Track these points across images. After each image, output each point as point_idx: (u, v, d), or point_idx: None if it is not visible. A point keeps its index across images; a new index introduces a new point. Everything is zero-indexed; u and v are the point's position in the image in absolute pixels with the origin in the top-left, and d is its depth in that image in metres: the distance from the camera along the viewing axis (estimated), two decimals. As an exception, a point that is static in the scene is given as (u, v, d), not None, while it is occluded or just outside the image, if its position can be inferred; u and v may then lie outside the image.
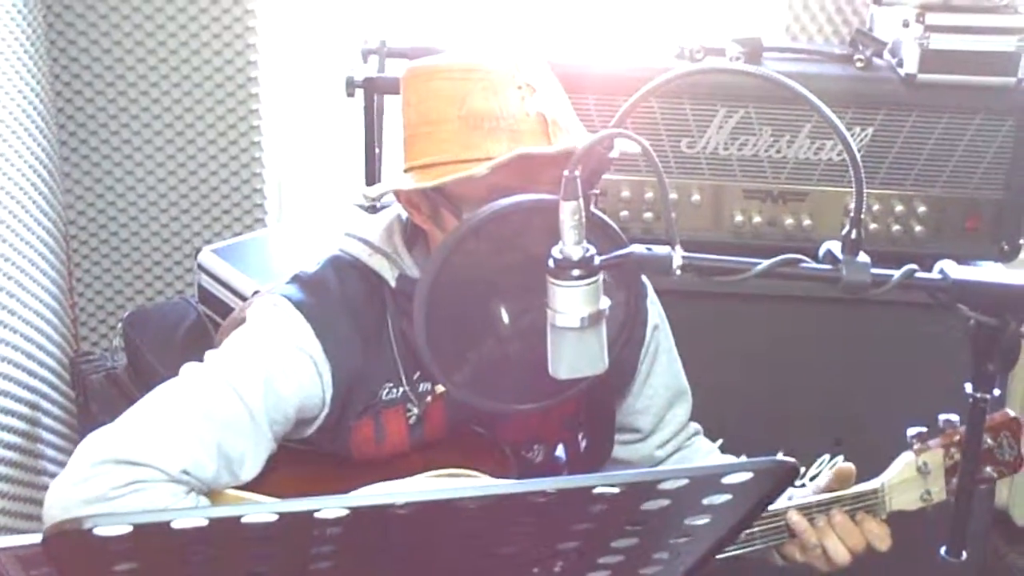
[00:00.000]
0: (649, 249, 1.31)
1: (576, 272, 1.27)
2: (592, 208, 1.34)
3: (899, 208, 2.37)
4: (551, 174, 1.48)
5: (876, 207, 2.37)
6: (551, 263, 1.28)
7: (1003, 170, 2.36)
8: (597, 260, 1.28)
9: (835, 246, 1.36)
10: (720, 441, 2.43)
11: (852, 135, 2.32)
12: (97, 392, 2.49)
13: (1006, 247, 2.40)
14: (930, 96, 2.30)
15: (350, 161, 2.79)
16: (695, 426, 1.98)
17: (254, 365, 1.56)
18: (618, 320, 1.44)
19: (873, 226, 2.37)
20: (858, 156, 1.32)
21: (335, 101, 2.73)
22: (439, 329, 1.43)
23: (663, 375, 1.88)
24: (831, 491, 1.71)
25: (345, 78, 2.50)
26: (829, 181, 2.38)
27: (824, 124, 2.26)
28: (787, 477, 1.11)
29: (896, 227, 2.38)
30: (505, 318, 1.44)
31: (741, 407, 2.44)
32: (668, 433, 1.91)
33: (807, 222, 2.39)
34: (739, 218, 2.39)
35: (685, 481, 1.06)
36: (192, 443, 1.49)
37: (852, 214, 1.33)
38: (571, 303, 1.28)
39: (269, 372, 1.56)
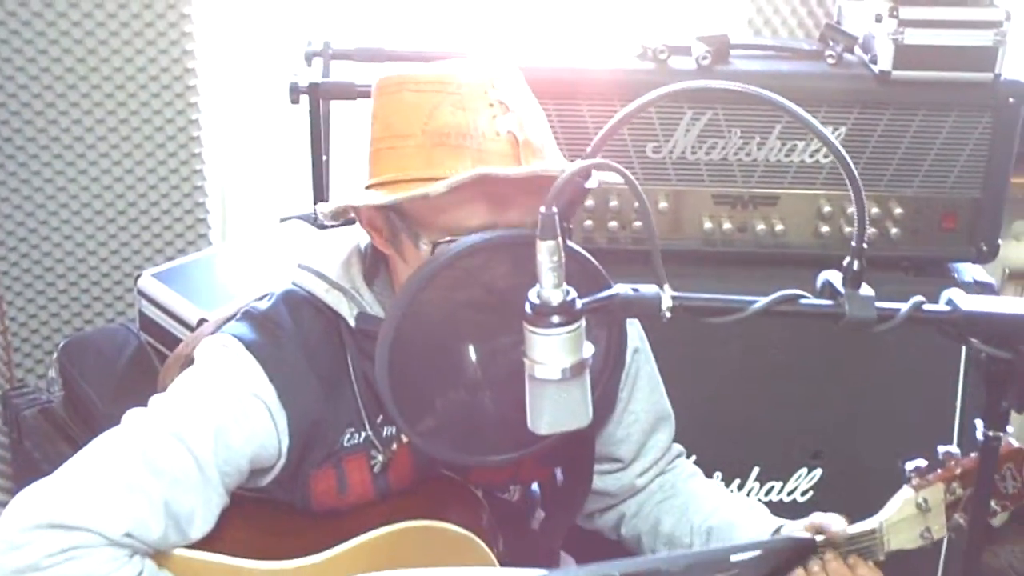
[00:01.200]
0: (636, 290, 1.19)
1: (556, 319, 1.15)
2: (569, 243, 1.21)
3: (874, 210, 2.28)
4: (522, 201, 1.39)
5: (851, 210, 2.27)
6: (528, 308, 1.16)
7: (980, 168, 2.28)
8: (579, 304, 1.16)
9: (834, 277, 1.26)
10: (694, 457, 2.34)
11: (825, 135, 2.22)
12: (31, 428, 2.34)
13: (984, 248, 2.32)
14: (905, 93, 2.21)
15: (297, 170, 2.67)
16: (677, 448, 1.89)
17: (203, 414, 1.45)
18: (597, 364, 1.33)
19: (848, 230, 2.28)
20: (860, 183, 1.21)
21: (279, 107, 2.60)
22: (402, 380, 1.31)
23: (644, 400, 1.79)
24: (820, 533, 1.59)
25: (289, 84, 2.38)
26: (801, 183, 2.28)
27: (795, 124, 2.20)
28: (802, 553, 1.00)
29: (871, 230, 2.28)
30: (475, 364, 1.32)
31: (717, 420, 2.36)
32: (649, 460, 1.82)
33: (779, 227, 2.29)
34: (708, 225, 2.29)
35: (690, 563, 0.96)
36: (136, 502, 1.37)
37: (854, 243, 1.22)
38: (551, 353, 1.16)
39: (220, 422, 1.45)
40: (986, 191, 2.29)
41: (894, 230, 2.29)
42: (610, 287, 1.21)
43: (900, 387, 2.34)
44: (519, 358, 1.21)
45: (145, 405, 1.49)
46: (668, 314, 1.18)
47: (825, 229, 2.28)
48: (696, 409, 2.29)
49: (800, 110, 1.21)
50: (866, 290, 1.23)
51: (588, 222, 2.28)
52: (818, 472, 2.40)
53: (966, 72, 2.18)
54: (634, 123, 2.22)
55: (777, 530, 1.66)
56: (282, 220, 2.66)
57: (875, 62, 2.21)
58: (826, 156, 2.24)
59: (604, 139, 1.23)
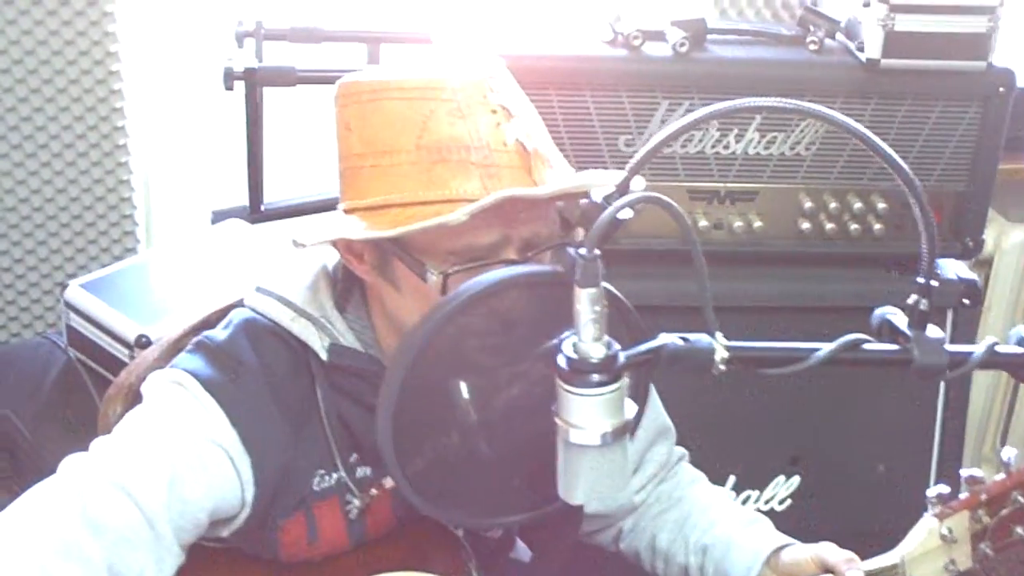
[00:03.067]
0: (685, 340, 1.03)
1: (596, 377, 0.99)
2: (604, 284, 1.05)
3: (857, 205, 2.16)
4: (532, 218, 1.27)
5: (832, 205, 2.16)
6: (564, 364, 1.00)
7: (966, 160, 2.17)
8: (622, 358, 1.00)
9: (895, 317, 1.11)
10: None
11: (806, 126, 2.10)
12: (-60, 455, 2.12)
13: (970, 243, 2.22)
14: (892, 82, 2.09)
15: (225, 162, 2.50)
16: (679, 452, 1.77)
17: (154, 462, 1.29)
18: None
19: (830, 226, 2.16)
20: (928, 208, 1.07)
21: (209, 93, 2.41)
22: (402, 424, 1.15)
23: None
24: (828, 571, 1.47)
25: (223, 69, 2.21)
26: (780, 177, 2.16)
27: (775, 115, 2.07)
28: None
29: (854, 226, 2.17)
30: (487, 412, 1.16)
31: (688, 424, 2.21)
32: (647, 475, 1.69)
33: (757, 224, 2.17)
34: (683, 222, 2.14)
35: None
36: (73, 566, 1.20)
37: (922, 278, 1.08)
38: (590, 415, 1.01)
39: (174, 472, 1.29)
40: (972, 184, 2.18)
41: (877, 226, 2.17)
42: (650, 336, 1.06)
43: (879, 391, 2.24)
44: (535, 408, 1.07)
45: (76, 432, 1.38)
46: (722, 367, 1.03)
47: (806, 226, 2.16)
48: (673, 413, 2.17)
49: (873, 136, 1.05)
50: (933, 331, 1.09)
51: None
52: (796, 480, 2.30)
53: (958, 60, 2.06)
54: (605, 113, 2.08)
55: (778, 550, 1.55)
56: (215, 214, 2.47)
57: (862, 49, 2.08)
58: (807, 149, 2.12)
59: (642, 163, 1.07)
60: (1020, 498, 1.50)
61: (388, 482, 1.39)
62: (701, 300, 1.02)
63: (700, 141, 2.11)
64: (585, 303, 0.99)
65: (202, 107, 2.59)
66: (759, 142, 2.12)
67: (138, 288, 2.07)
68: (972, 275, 2.25)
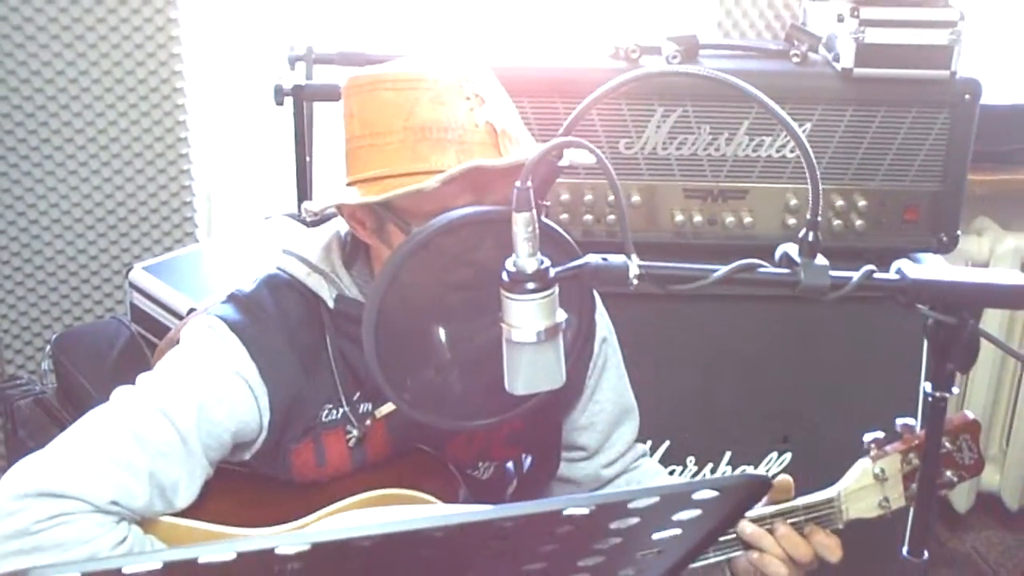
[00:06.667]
0: (605, 259, 1.27)
1: (531, 285, 1.23)
2: (544, 218, 1.29)
3: (839, 203, 2.37)
4: (502, 186, 1.47)
5: (816, 202, 2.36)
6: (505, 276, 1.25)
7: (939, 162, 2.37)
8: (552, 272, 1.24)
9: (792, 249, 1.34)
10: (667, 443, 2.43)
11: (790, 131, 2.31)
12: (25, 418, 2.40)
13: (945, 238, 2.41)
14: (866, 90, 2.31)
15: (281, 170, 2.74)
16: (641, 447, 1.95)
17: (187, 390, 1.53)
18: (570, 334, 1.41)
19: (814, 222, 2.36)
20: (813, 158, 1.29)
21: (264, 109, 2.66)
22: (388, 347, 1.38)
23: (610, 391, 1.85)
24: (775, 503, 1.64)
25: (274, 86, 2.45)
26: (769, 177, 2.37)
27: (763, 119, 2.30)
28: (758, 491, 1.08)
29: (837, 222, 2.38)
30: (455, 335, 1.39)
31: (686, 406, 2.43)
32: (614, 453, 1.88)
33: (748, 219, 2.38)
34: (679, 218, 2.37)
35: (656, 499, 1.03)
36: (121, 472, 1.45)
37: (809, 216, 1.31)
38: (526, 317, 1.24)
39: (202, 397, 1.53)
40: (945, 184, 2.38)
41: (858, 222, 2.38)
42: (581, 257, 1.30)
43: (865, 371, 2.42)
44: (496, 331, 1.28)
45: (133, 384, 1.57)
46: (635, 281, 1.26)
47: (792, 221, 2.37)
48: (669, 397, 2.38)
49: (758, 92, 1.28)
50: (821, 260, 1.31)
51: (564, 215, 2.36)
52: (788, 456, 2.48)
53: (923, 70, 2.27)
54: (607, 120, 2.31)
55: None
56: (266, 219, 2.74)
57: (838, 60, 2.30)
58: (792, 151, 2.33)
59: (576, 120, 1.32)
60: (948, 444, 1.67)
61: (381, 411, 1.63)
62: (620, 225, 1.25)
63: (693, 144, 2.33)
64: (520, 225, 1.23)
65: (258, 121, 2.86)
66: (748, 145, 2.34)
67: (193, 271, 2.33)
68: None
